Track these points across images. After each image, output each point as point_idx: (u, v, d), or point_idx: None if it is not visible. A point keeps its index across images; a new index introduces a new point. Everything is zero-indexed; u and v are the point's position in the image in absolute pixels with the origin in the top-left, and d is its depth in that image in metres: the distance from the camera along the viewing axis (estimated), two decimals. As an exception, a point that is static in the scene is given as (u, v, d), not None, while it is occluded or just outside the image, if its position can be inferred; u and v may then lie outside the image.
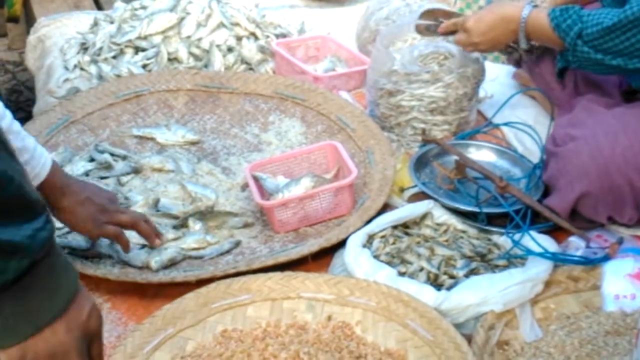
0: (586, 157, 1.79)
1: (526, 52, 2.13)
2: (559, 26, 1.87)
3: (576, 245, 1.82)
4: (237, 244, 1.89)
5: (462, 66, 2.20)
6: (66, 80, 2.56)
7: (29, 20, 3.22)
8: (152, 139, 2.26)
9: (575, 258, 1.76)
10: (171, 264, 1.81)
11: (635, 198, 1.80)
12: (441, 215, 1.89)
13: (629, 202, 1.81)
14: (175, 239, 1.87)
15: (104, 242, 1.83)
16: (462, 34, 2.10)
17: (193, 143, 2.25)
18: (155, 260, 1.79)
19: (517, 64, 2.50)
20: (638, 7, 1.73)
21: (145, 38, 2.66)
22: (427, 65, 2.22)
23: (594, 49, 1.83)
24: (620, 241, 1.80)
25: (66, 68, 2.61)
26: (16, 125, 1.58)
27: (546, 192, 1.93)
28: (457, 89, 2.20)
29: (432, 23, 2.20)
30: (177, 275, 1.75)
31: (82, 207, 1.70)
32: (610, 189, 1.79)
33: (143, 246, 1.83)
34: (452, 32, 2.16)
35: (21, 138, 1.57)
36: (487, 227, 1.87)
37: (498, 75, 2.56)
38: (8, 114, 1.56)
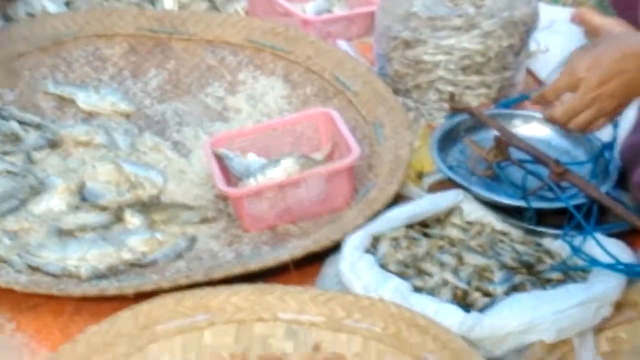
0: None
1: None
2: None
3: (660, 254, 1.83)
4: (193, 240, 1.90)
5: (508, 8, 2.21)
6: (-39, 20, 2.57)
7: None
8: (73, 101, 2.27)
9: (658, 272, 1.77)
10: (111, 273, 1.82)
11: None
12: (473, 211, 1.91)
13: None
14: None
15: (5, 241, 1.84)
16: (572, 94, 1.89)
17: (125, 115, 2.25)
18: (86, 268, 1.80)
19: None
20: None
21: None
22: (459, 6, 2.23)
23: None
24: None
25: (-39, 4, 2.62)
26: None
27: (620, 182, 1.94)
28: (500, 39, 2.22)
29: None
30: (107, 286, 1.76)
31: None
32: None
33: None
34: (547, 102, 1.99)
35: None
36: (536, 228, 1.89)
37: (555, 21, 2.56)
38: None
